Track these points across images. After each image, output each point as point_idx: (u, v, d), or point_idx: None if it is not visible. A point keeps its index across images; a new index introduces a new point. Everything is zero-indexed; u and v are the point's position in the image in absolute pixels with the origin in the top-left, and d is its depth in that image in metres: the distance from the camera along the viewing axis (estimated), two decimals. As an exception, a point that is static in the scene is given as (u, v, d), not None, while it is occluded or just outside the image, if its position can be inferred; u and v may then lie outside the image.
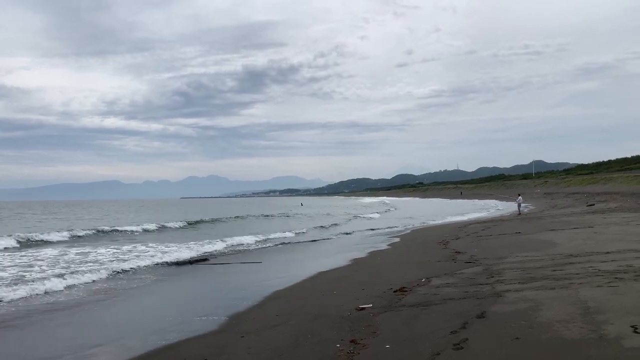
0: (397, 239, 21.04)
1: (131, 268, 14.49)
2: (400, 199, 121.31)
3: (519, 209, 36.34)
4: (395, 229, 27.89)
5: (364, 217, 43.28)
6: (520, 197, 38.87)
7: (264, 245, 20.97)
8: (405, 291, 9.07)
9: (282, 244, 21.52)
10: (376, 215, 45.92)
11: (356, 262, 14.36)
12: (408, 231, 25.60)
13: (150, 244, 21.10)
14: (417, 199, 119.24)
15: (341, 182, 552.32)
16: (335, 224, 34.42)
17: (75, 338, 7.60)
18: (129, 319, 9.06)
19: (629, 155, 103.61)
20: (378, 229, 28.60)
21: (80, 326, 8.47)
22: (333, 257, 16.10)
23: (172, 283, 12.68)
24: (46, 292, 10.98)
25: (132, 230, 29.79)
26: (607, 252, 11.49)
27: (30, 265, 15.09)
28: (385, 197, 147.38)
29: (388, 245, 18.89)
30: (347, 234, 26.17)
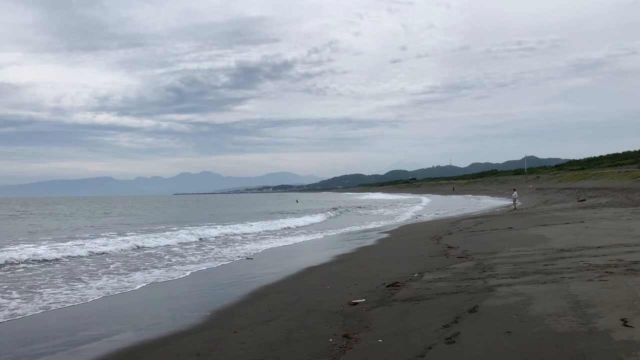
0: (390, 235, 21.09)
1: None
2: (399, 196, 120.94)
3: (514, 203, 36.39)
4: (392, 223, 28.02)
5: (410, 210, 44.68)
6: (515, 192, 38.92)
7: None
8: (398, 286, 9.10)
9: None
10: (420, 207, 49.16)
11: (349, 258, 14.38)
12: (398, 227, 25.66)
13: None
14: (410, 195, 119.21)
15: (334, 178, 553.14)
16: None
17: (69, 332, 7.57)
18: (122, 315, 9.01)
19: (619, 151, 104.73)
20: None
21: (72, 320, 8.42)
22: (326, 252, 16.12)
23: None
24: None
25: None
26: (598, 247, 11.59)
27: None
28: (379, 194, 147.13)
29: (381, 240, 18.94)
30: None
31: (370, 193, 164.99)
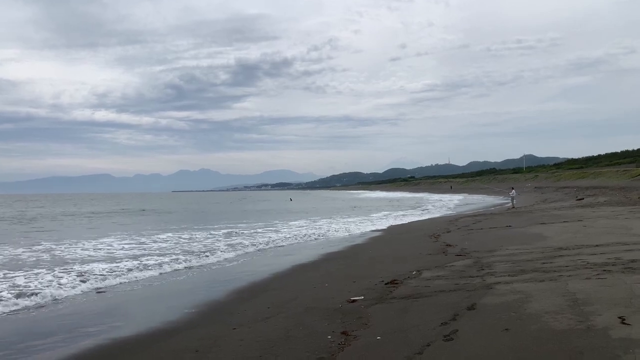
0: (387, 233, 21.11)
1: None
2: (402, 194, 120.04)
3: (512, 202, 36.34)
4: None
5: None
6: (513, 190, 38.85)
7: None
8: (397, 283, 9.12)
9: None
10: (452, 205, 50.24)
11: (346, 256, 14.41)
12: (394, 225, 25.67)
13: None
14: (411, 194, 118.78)
15: (333, 176, 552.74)
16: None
17: (66, 327, 7.58)
18: (120, 312, 9.02)
19: (618, 150, 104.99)
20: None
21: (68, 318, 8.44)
22: (324, 249, 16.14)
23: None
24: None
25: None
26: (596, 245, 11.61)
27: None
28: (378, 192, 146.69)
29: (378, 239, 18.96)
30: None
31: (368, 191, 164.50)
